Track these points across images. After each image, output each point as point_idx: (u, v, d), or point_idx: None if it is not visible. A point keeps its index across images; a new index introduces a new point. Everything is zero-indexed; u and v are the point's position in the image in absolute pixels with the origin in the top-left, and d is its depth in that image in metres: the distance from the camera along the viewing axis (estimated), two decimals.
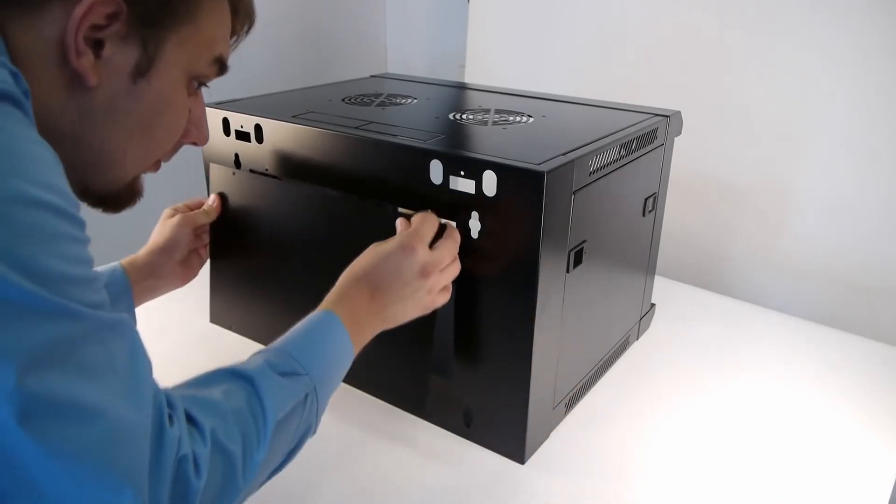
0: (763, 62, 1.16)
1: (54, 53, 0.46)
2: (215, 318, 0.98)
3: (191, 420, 0.47)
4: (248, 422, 0.51)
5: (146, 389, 0.43)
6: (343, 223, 0.77)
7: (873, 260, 1.13)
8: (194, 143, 0.60)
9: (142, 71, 0.50)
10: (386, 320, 0.66)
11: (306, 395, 0.56)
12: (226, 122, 0.86)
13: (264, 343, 0.62)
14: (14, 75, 0.42)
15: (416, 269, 0.65)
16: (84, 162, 0.51)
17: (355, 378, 0.82)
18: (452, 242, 0.69)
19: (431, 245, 0.68)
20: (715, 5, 1.19)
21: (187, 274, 0.84)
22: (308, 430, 0.58)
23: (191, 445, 0.45)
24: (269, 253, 0.85)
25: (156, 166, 0.58)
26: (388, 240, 0.68)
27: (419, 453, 0.77)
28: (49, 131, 0.45)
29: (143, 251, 0.81)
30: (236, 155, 0.87)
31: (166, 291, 0.83)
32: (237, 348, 0.93)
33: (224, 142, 0.88)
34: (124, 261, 0.79)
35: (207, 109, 0.86)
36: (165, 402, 0.45)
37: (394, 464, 0.76)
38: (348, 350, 0.62)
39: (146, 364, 0.44)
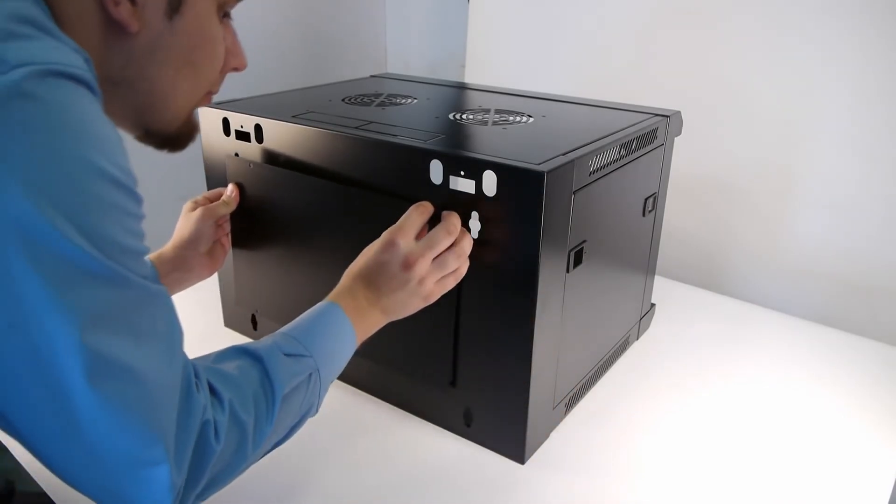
0: (763, 63, 1.16)
1: (94, 10, 0.50)
2: (239, 302, 0.97)
3: (212, 390, 0.52)
4: (259, 397, 0.56)
5: (180, 356, 0.48)
6: (359, 215, 0.77)
7: (873, 260, 1.13)
8: (235, 69, 0.63)
9: (175, 7, 0.54)
10: (385, 312, 0.68)
11: (310, 375, 0.60)
12: (226, 122, 0.86)
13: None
14: (87, 61, 0.45)
15: (399, 263, 0.67)
16: (141, 106, 0.55)
17: (383, 358, 0.82)
18: (443, 230, 0.68)
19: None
20: (716, 5, 1.19)
21: (213, 264, 0.86)
22: (310, 409, 0.62)
23: (213, 412, 0.50)
24: (290, 240, 0.86)
25: (207, 98, 0.62)
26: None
27: (419, 453, 0.77)
28: (104, 85, 0.48)
29: (169, 246, 0.83)
30: (236, 155, 0.87)
31: (194, 282, 0.85)
32: None
33: (224, 142, 0.88)
34: (152, 255, 0.81)
35: (207, 110, 0.87)
36: (193, 371, 0.50)
37: (393, 464, 0.76)
38: (350, 338, 0.66)
39: (180, 333, 0.49)
